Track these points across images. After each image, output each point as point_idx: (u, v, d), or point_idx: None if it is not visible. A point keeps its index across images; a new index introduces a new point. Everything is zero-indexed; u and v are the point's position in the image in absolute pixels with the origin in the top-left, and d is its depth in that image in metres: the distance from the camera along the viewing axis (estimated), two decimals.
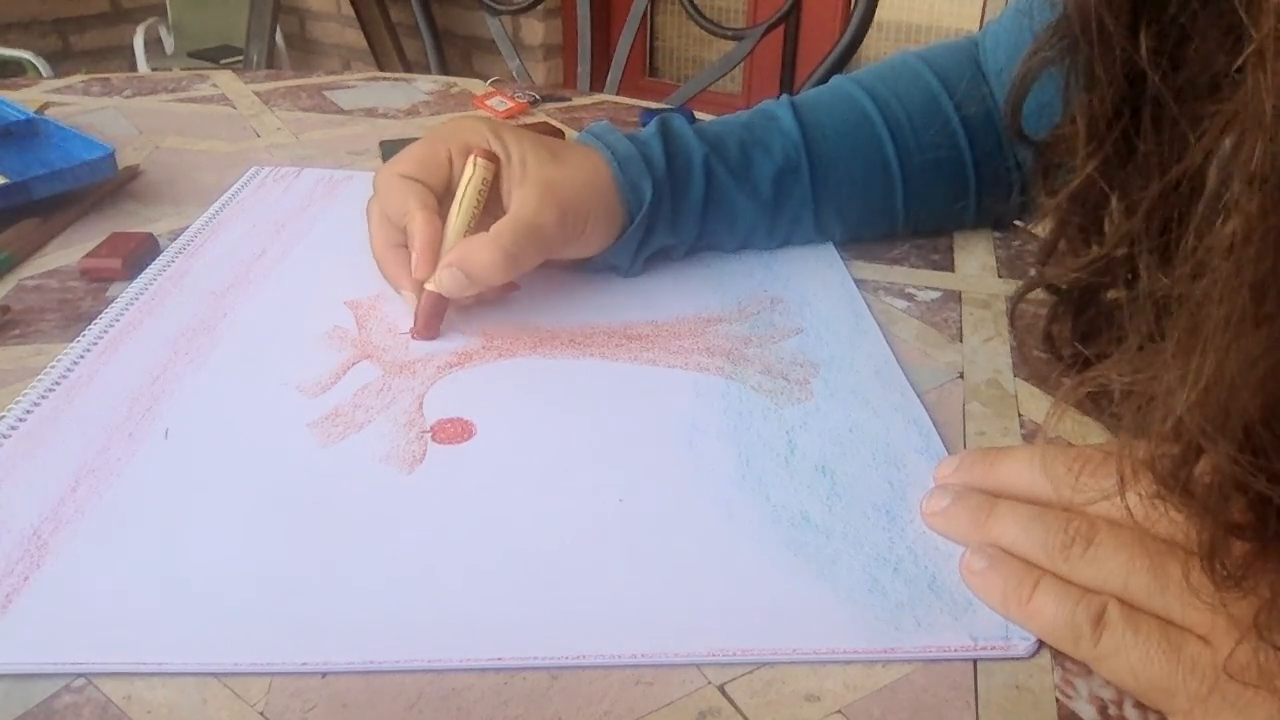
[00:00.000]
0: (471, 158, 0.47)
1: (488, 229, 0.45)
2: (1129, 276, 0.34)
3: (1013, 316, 0.40)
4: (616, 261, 0.51)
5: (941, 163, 0.55)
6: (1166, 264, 0.30)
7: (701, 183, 0.51)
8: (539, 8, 1.16)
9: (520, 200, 0.46)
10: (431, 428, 0.39)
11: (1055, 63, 0.34)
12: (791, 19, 1.05)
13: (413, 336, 0.46)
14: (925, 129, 0.55)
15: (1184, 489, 0.25)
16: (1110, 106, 0.32)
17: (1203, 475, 0.24)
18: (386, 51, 2.50)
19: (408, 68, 2.45)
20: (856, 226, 0.56)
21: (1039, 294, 0.40)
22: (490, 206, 0.47)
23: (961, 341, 0.48)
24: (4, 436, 0.37)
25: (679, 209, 0.51)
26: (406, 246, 0.46)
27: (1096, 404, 0.33)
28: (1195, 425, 0.23)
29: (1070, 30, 0.33)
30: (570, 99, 0.85)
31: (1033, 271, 0.40)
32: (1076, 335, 0.38)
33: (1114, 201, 0.33)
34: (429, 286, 0.45)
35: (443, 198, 0.47)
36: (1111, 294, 0.37)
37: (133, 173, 0.63)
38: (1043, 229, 0.38)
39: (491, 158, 0.47)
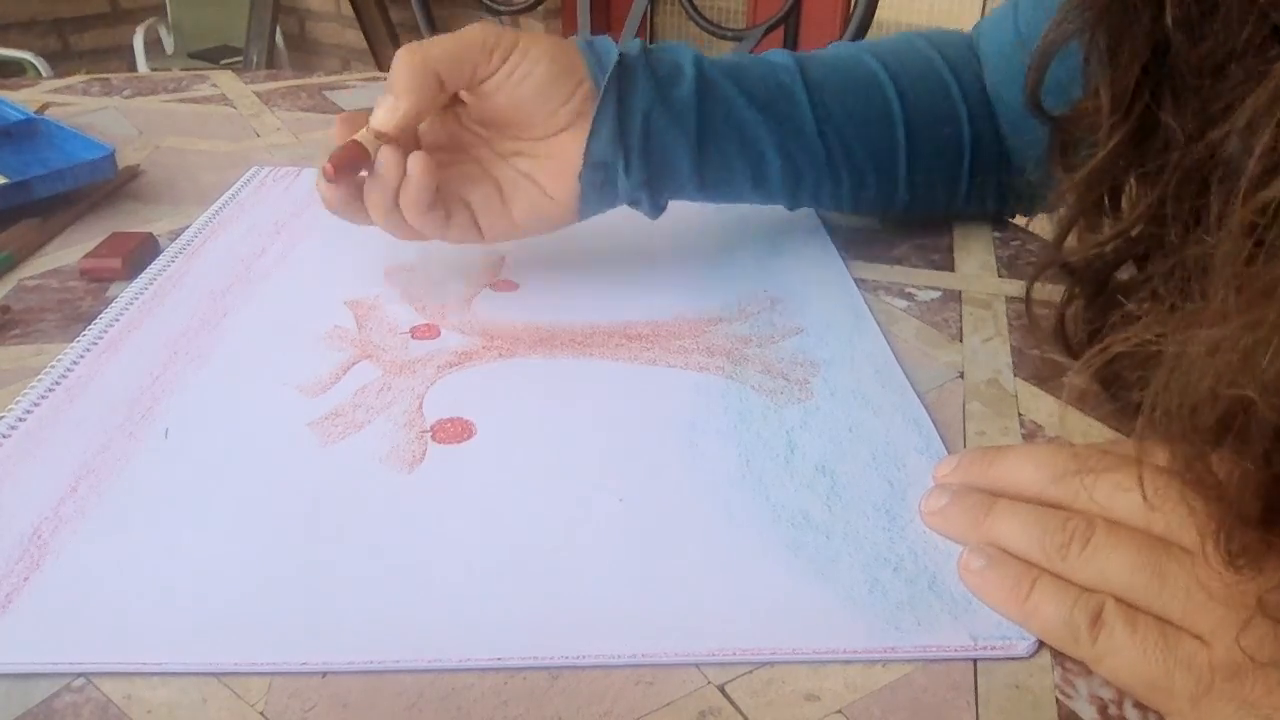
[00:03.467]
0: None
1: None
2: (1145, 252, 0.34)
3: (1029, 297, 0.40)
4: (603, 156, 0.46)
5: (942, 129, 0.54)
6: (1196, 229, 0.30)
7: (692, 74, 0.47)
8: (539, 8, 1.16)
9: None
10: (431, 428, 0.39)
11: (1078, 35, 0.34)
12: (791, 19, 1.05)
13: (326, 174, 0.44)
14: (927, 91, 0.54)
15: (1204, 473, 0.24)
16: (1134, 79, 0.32)
17: (1222, 464, 0.24)
18: (386, 52, 2.50)
19: None
20: (861, 164, 0.52)
21: (1046, 291, 0.40)
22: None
23: (961, 341, 0.48)
24: (4, 436, 0.38)
25: (668, 98, 0.47)
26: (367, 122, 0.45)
27: (1108, 388, 0.33)
28: (1235, 379, 0.22)
29: (1096, 2, 0.33)
30: None
31: (1032, 264, 0.40)
32: (1089, 320, 0.38)
33: (1133, 175, 0.33)
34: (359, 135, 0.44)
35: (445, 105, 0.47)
36: (1123, 278, 0.37)
37: (133, 173, 0.63)
38: (1059, 208, 0.38)
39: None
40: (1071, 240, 0.38)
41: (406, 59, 0.43)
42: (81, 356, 0.43)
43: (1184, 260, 0.29)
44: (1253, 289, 0.22)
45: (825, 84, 0.51)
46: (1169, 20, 0.30)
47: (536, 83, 0.45)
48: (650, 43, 0.49)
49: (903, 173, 0.54)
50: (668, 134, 0.47)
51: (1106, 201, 0.36)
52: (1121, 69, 0.32)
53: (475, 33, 0.44)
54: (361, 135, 0.45)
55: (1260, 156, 0.24)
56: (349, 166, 0.44)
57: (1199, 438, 0.24)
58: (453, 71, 0.44)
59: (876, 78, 0.53)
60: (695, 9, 1.03)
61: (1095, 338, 0.38)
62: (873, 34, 1.02)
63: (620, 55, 0.46)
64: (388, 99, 0.44)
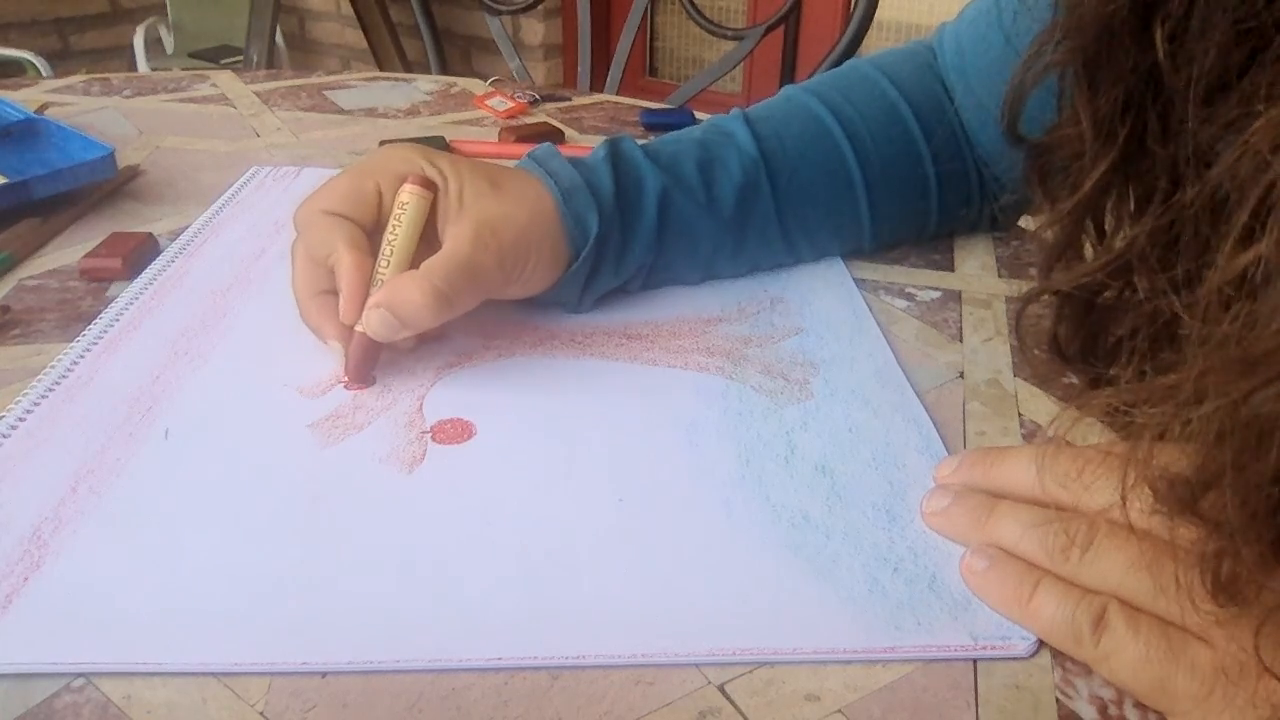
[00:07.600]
0: (406, 186, 0.42)
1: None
2: (1133, 280, 0.34)
3: (1018, 324, 0.40)
4: (563, 299, 0.47)
5: (904, 172, 0.53)
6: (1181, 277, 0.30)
7: (654, 210, 0.47)
8: (539, 8, 1.16)
9: (455, 237, 0.42)
10: (431, 428, 0.39)
11: (1060, 67, 0.34)
12: (791, 19, 1.05)
13: (346, 387, 0.42)
14: (885, 137, 0.53)
15: (1191, 508, 0.25)
16: (1119, 106, 0.32)
17: (1211, 500, 0.24)
18: (386, 51, 2.50)
19: (408, 68, 2.45)
20: (825, 242, 0.54)
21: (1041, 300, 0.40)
22: (427, 244, 0.43)
23: (961, 341, 0.48)
24: (4, 436, 0.37)
25: (629, 240, 0.47)
26: (334, 291, 0.42)
27: (1111, 424, 0.33)
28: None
29: (1079, 34, 0.32)
30: (570, 99, 0.85)
31: (1034, 274, 0.40)
32: (1082, 336, 0.38)
33: (1129, 204, 0.33)
34: (358, 329, 0.41)
35: (372, 235, 0.43)
36: (1110, 295, 0.37)
37: (133, 173, 0.63)
38: (1045, 235, 0.38)
39: (428, 185, 0.43)
40: (1065, 265, 0.37)
41: (434, 303, 0.40)
42: (81, 356, 0.43)
43: (1161, 311, 0.29)
44: (1225, 359, 0.23)
45: (788, 170, 0.51)
46: (1158, 44, 0.30)
47: (533, 285, 0.45)
48: (624, 146, 0.48)
49: (868, 237, 0.55)
50: (621, 279, 0.48)
51: (1092, 228, 0.36)
52: (1103, 96, 0.32)
53: (491, 270, 0.42)
54: (359, 327, 0.41)
55: (1250, 208, 0.24)
56: (369, 367, 0.42)
57: (1179, 485, 0.25)
58: (470, 304, 0.43)
59: (838, 146, 0.52)
60: (695, 8, 1.03)
61: (1088, 353, 0.38)
62: (873, 34, 1.02)
63: (598, 226, 0.45)
64: (391, 321, 0.40)
